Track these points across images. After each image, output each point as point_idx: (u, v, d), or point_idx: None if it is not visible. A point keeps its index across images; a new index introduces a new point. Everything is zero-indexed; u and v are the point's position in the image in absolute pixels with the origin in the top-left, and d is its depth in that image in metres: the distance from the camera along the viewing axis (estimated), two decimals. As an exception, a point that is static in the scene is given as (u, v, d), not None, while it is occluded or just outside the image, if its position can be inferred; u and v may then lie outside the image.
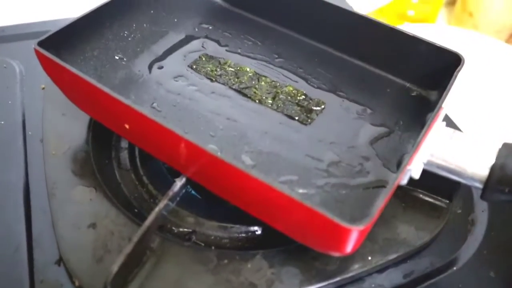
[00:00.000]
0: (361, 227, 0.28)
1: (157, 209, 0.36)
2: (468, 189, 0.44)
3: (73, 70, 0.37)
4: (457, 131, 0.37)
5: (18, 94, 0.51)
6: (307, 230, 0.32)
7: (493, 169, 0.34)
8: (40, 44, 0.40)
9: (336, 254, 0.34)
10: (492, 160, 0.34)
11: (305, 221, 0.30)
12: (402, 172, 0.33)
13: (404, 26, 1.02)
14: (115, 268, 0.32)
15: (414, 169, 0.35)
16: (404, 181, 0.35)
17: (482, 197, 0.35)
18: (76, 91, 0.41)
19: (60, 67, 0.38)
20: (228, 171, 0.32)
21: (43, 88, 0.50)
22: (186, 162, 0.36)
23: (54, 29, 0.42)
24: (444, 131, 0.37)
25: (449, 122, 0.50)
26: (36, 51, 0.39)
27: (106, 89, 0.35)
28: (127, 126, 0.38)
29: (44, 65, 0.41)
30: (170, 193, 0.37)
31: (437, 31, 1.01)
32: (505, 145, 0.34)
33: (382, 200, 0.30)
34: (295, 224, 0.32)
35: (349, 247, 0.30)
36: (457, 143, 0.36)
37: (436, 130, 0.36)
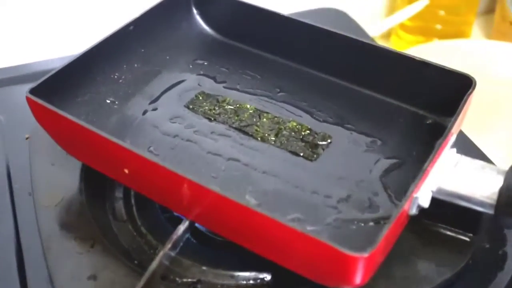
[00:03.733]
0: (365, 254, 0.37)
1: (161, 253, 0.45)
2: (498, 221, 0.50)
3: (71, 117, 0.46)
4: (464, 157, 0.46)
5: None
6: (315, 263, 0.40)
7: (501, 192, 0.42)
8: (32, 91, 0.49)
9: (346, 286, 0.43)
10: (500, 183, 0.43)
11: (311, 253, 0.39)
12: (408, 201, 0.42)
13: (433, 44, 1.11)
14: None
15: (421, 197, 0.44)
16: (412, 210, 0.44)
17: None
18: (72, 139, 0.50)
19: (56, 115, 0.47)
20: (233, 210, 0.41)
21: (27, 138, 0.60)
22: (189, 204, 0.45)
23: (45, 75, 0.51)
24: (452, 157, 0.46)
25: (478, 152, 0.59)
26: (28, 99, 0.48)
27: (106, 135, 0.44)
28: (126, 171, 0.47)
29: (36, 114, 0.50)
30: (174, 237, 0.46)
31: (474, 47, 1.10)
32: (512, 168, 0.44)
33: (387, 228, 0.39)
34: (302, 257, 0.41)
35: (357, 278, 0.38)
36: (464, 169, 0.45)
37: (445, 157, 0.46)
